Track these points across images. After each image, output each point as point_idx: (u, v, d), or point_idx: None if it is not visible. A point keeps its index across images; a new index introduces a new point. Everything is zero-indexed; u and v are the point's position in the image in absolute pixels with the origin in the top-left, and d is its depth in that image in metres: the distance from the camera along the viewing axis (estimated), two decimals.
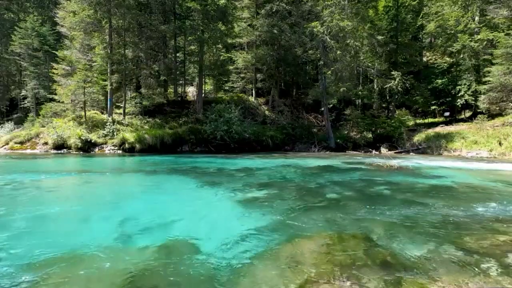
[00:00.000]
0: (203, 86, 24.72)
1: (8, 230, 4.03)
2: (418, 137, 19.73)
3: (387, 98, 23.84)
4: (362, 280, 2.70)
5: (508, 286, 2.63)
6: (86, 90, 18.80)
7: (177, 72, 23.17)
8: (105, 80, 19.30)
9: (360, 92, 23.53)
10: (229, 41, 24.52)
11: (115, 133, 17.64)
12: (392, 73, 21.87)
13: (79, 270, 2.92)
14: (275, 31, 22.77)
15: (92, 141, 17.11)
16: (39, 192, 6.84)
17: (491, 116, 19.63)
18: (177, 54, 23.61)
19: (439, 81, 23.26)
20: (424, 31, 26.13)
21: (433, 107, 24.34)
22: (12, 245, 3.52)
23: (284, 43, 24.08)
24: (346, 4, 19.47)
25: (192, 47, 23.83)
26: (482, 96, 19.40)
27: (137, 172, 10.54)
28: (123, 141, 17.00)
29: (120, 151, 16.88)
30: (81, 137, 16.84)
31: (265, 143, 20.55)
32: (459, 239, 3.72)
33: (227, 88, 27.63)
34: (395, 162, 11.26)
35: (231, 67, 25.80)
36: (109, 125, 17.95)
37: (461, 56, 21.68)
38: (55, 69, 20.21)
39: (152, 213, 5.07)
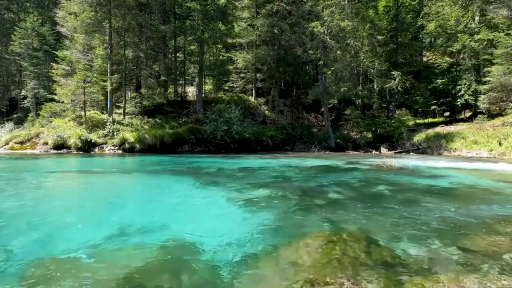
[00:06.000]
0: (203, 86, 24.73)
1: (5, 229, 4.03)
2: (418, 137, 19.73)
3: (387, 98, 23.85)
4: (362, 280, 2.70)
5: (508, 286, 2.63)
6: (86, 90, 18.80)
7: (177, 72, 23.16)
8: (105, 80, 19.29)
9: (360, 92, 23.54)
10: (229, 41, 24.54)
11: (115, 133, 17.65)
12: (392, 73, 21.89)
13: (77, 270, 2.92)
14: (275, 31, 22.78)
15: (92, 141, 17.11)
16: (38, 191, 6.84)
17: (491, 116, 19.65)
18: (177, 54, 23.61)
19: (439, 81, 23.27)
20: (424, 31, 26.15)
21: (433, 107, 24.36)
22: (9, 245, 3.52)
23: (284, 43, 24.10)
24: (346, 4, 19.48)
25: (192, 47, 23.83)
26: (482, 96, 19.42)
27: (137, 172, 10.53)
28: (123, 141, 17.00)
29: (120, 151, 16.89)
30: (81, 137, 16.84)
31: (265, 143, 20.54)
32: (459, 239, 3.72)
33: (227, 88, 27.64)
34: (395, 162, 11.24)
35: (231, 67, 25.80)
36: (109, 125, 17.95)
37: (461, 56, 21.71)
38: (55, 69, 20.20)
39: (152, 212, 5.07)
